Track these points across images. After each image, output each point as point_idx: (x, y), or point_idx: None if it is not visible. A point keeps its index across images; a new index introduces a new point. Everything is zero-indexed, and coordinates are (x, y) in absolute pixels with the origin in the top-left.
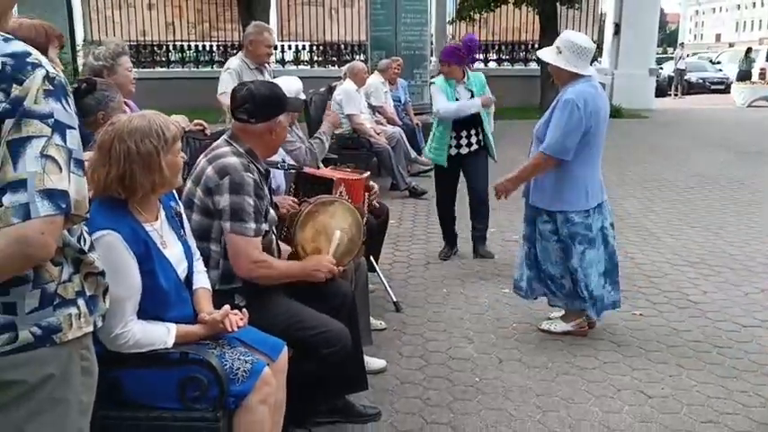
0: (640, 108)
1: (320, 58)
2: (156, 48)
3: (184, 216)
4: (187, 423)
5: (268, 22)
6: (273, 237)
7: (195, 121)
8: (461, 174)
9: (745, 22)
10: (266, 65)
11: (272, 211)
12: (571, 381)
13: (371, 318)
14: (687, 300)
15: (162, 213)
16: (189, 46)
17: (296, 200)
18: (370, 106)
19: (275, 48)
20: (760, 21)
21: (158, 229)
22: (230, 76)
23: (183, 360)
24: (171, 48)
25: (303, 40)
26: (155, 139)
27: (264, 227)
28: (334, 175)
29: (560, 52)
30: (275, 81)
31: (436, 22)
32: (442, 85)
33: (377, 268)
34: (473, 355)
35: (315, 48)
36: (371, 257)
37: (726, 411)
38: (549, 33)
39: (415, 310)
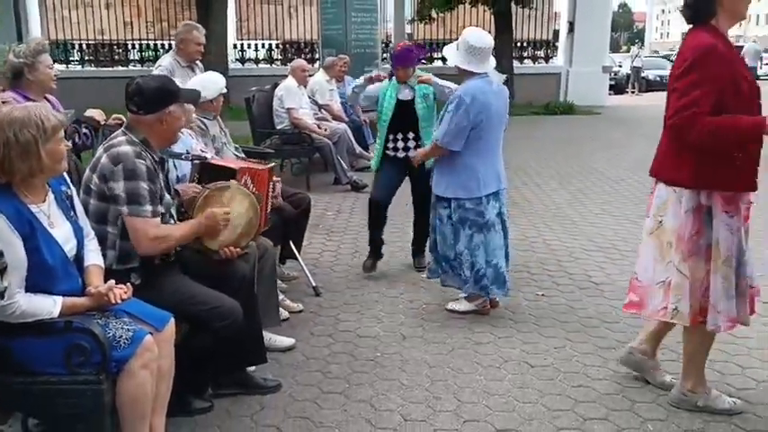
0: (593, 104)
1: (281, 57)
2: (114, 47)
3: (76, 199)
4: (72, 386)
5: (226, 21)
6: (172, 221)
7: (114, 115)
8: (409, 180)
9: None
10: (197, 62)
11: (167, 196)
12: (464, 354)
13: (289, 301)
14: (590, 281)
15: (50, 196)
16: (148, 45)
17: (200, 185)
18: (316, 103)
19: (234, 46)
20: None
21: (45, 210)
22: (161, 73)
23: (67, 329)
24: (130, 47)
25: (263, 39)
26: (33, 129)
27: (160, 209)
28: (238, 165)
29: (458, 48)
30: (199, 76)
31: (395, 22)
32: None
33: (298, 256)
34: (379, 333)
35: (275, 46)
36: (293, 245)
37: (597, 377)
38: (503, 32)
39: (335, 294)
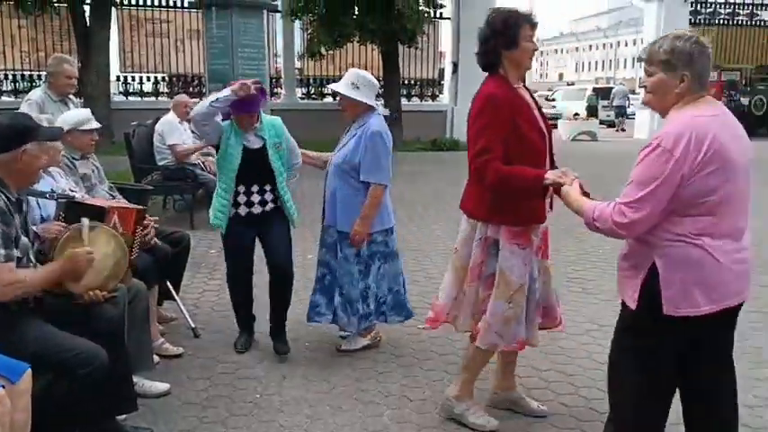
0: None
1: (167, 90)
2: None
3: None
4: None
5: (108, 53)
6: (31, 264)
7: None
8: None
9: (583, 63)
10: (70, 96)
11: (23, 238)
12: (345, 391)
13: (169, 344)
14: None
15: None
16: (23, 75)
17: (64, 225)
18: (200, 138)
19: (117, 78)
20: (596, 62)
21: None
22: (30, 107)
23: None
24: (2, 77)
25: (148, 72)
26: None
27: (15, 253)
28: (108, 204)
29: (358, 87)
30: (71, 112)
31: (284, 57)
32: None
33: (176, 297)
34: (260, 374)
35: (161, 79)
36: (170, 286)
37: None
38: (391, 70)
39: (215, 335)
